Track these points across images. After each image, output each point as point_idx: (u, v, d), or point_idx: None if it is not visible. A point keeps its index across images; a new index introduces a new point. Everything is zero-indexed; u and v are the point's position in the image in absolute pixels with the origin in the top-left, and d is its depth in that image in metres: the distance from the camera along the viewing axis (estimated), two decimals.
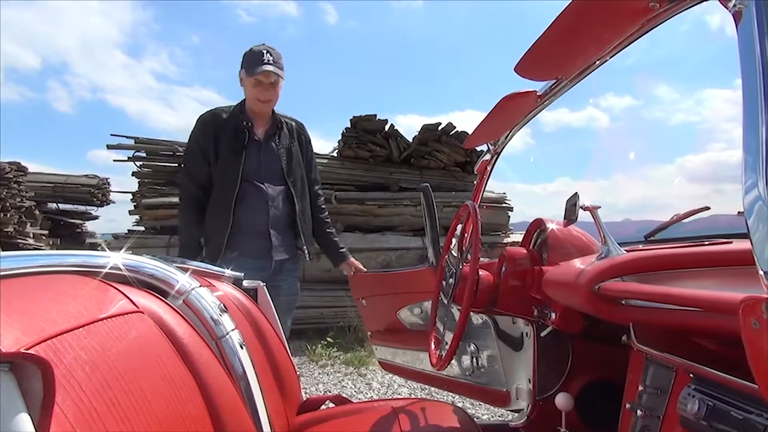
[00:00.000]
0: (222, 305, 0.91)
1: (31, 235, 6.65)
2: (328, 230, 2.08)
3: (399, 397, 2.81)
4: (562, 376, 1.36)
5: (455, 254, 1.49)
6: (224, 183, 1.80)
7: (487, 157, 1.76)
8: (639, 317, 0.81)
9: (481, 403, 2.37)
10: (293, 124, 2.00)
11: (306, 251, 1.95)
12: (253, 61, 1.79)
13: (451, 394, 2.55)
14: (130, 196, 5.15)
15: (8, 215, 6.15)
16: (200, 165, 1.84)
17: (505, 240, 5.13)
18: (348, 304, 4.04)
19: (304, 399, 1.34)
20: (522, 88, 1.25)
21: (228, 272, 1.25)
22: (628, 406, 0.83)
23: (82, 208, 9.35)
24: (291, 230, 1.91)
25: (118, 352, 0.54)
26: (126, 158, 5.19)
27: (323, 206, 2.08)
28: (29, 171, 7.37)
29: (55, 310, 0.51)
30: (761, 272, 0.49)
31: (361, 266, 2.08)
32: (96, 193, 8.98)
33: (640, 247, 1.13)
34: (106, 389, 0.49)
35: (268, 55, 1.79)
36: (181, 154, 5.24)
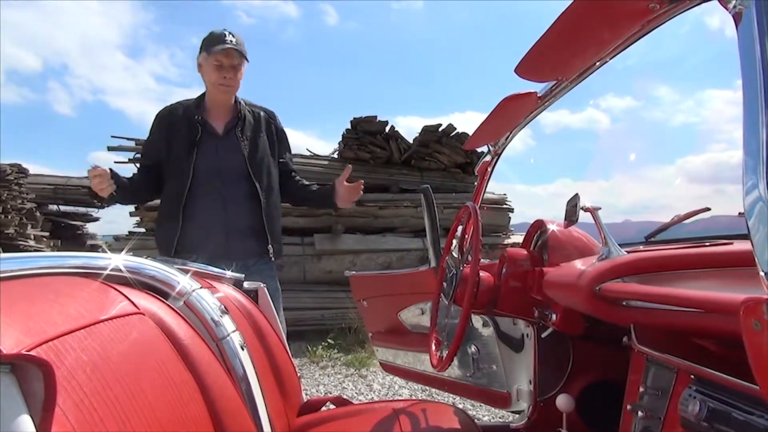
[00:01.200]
0: (223, 307, 0.91)
1: (32, 237, 6.65)
2: (307, 185, 1.93)
3: (400, 398, 2.81)
4: (562, 377, 1.36)
5: (456, 255, 1.49)
6: (174, 181, 1.70)
7: (488, 158, 1.77)
8: (640, 318, 0.81)
9: (482, 404, 2.37)
10: (261, 113, 1.84)
11: (271, 250, 1.78)
12: (213, 41, 1.68)
13: (452, 395, 2.55)
14: None
15: (9, 217, 6.15)
16: (152, 160, 1.77)
17: (506, 241, 5.14)
18: (349, 305, 4.04)
19: (305, 400, 1.34)
20: (522, 89, 1.26)
21: (229, 274, 1.25)
22: (629, 407, 0.83)
23: (82, 209, 9.32)
24: (255, 230, 1.75)
25: (119, 354, 0.54)
26: (127, 160, 5.20)
27: (298, 177, 1.94)
28: (30, 173, 7.36)
29: (56, 312, 0.51)
30: (762, 273, 0.49)
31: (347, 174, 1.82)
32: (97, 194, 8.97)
33: (641, 248, 1.13)
34: (107, 390, 0.49)
35: (230, 36, 1.68)
36: None
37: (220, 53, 1.67)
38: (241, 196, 1.73)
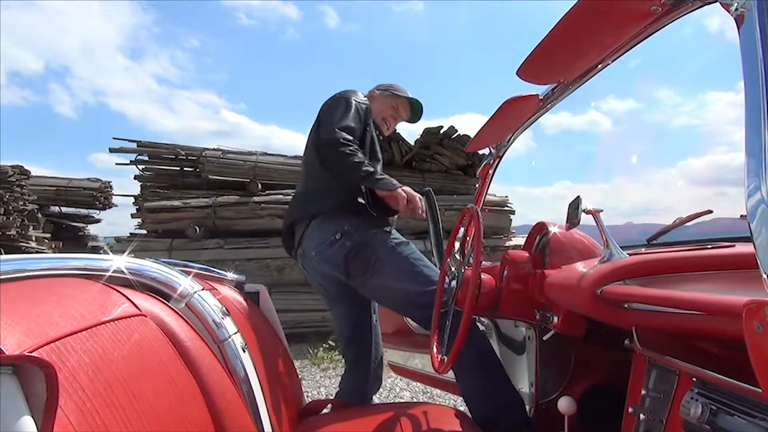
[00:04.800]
0: (224, 308, 0.91)
1: (34, 239, 6.66)
2: None
3: (401, 400, 2.80)
4: (564, 379, 1.36)
5: (457, 258, 1.49)
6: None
7: (490, 160, 1.77)
8: (642, 321, 0.81)
9: None
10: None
11: None
12: (406, 96, 1.83)
13: (453, 396, 2.55)
14: (132, 199, 5.18)
15: (11, 218, 6.17)
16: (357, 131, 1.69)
17: (507, 243, 5.13)
18: None
19: (306, 402, 1.34)
20: (524, 91, 1.26)
21: (230, 275, 1.25)
22: (630, 410, 0.83)
23: (84, 211, 9.35)
24: None
25: (121, 355, 0.54)
26: (128, 161, 5.21)
27: None
28: (32, 174, 7.38)
29: (58, 313, 0.51)
30: (764, 275, 0.49)
31: None
32: (98, 196, 9.00)
33: (643, 250, 1.13)
34: (108, 392, 0.49)
35: (417, 104, 1.85)
36: (183, 157, 5.25)
37: (404, 103, 1.84)
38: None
